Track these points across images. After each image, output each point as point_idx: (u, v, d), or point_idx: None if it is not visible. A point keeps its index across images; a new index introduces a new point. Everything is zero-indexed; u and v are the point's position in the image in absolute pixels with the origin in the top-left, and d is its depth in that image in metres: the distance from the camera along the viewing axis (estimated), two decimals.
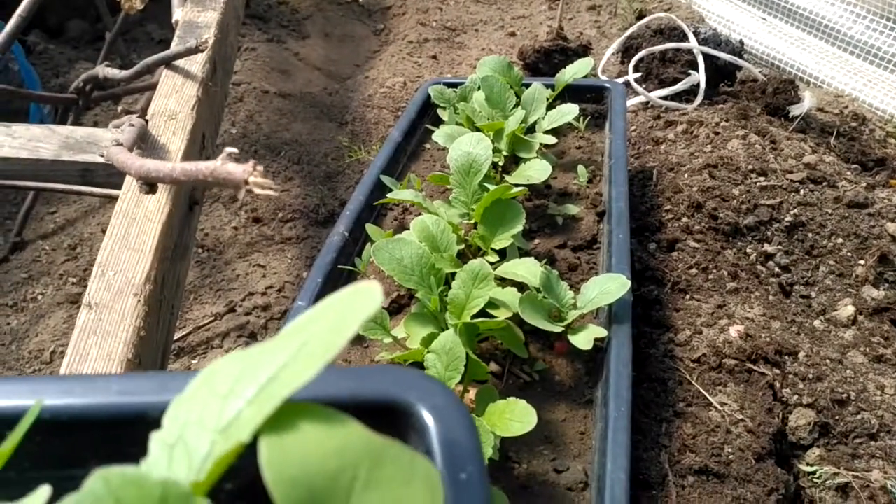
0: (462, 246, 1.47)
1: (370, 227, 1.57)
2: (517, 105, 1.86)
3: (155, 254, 1.20)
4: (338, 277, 1.49)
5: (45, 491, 0.42)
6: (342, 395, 0.50)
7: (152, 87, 2.15)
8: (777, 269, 1.79)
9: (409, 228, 1.43)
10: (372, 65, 3.01)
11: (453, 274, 1.32)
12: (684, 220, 1.84)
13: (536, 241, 1.61)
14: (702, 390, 1.45)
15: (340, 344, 0.43)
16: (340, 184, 2.36)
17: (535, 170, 1.64)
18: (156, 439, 0.43)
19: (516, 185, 1.51)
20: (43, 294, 2.00)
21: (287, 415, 0.40)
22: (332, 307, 0.47)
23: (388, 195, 1.56)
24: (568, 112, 1.83)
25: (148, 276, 1.17)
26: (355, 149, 2.45)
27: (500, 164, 1.76)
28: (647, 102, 2.36)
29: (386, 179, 1.71)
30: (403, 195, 1.54)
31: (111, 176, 1.49)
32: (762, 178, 1.96)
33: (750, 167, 1.97)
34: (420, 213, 1.68)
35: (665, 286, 1.68)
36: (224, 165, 0.70)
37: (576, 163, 1.83)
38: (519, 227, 1.43)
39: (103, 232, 2.16)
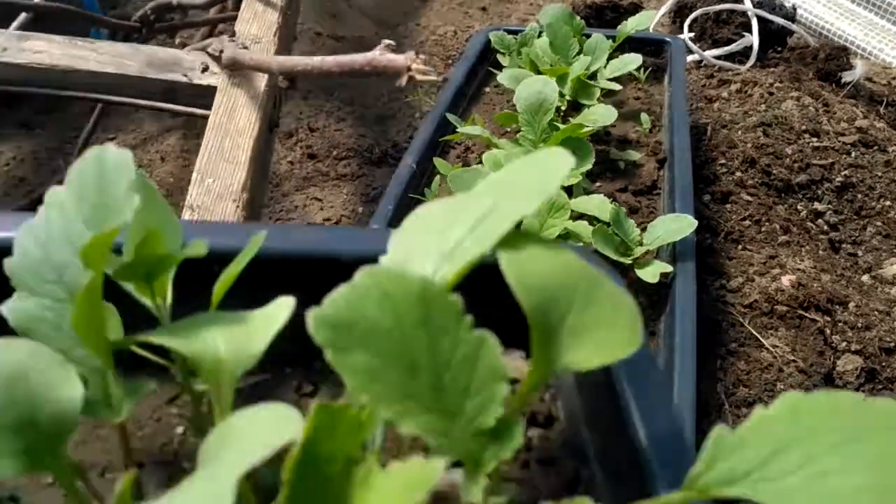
0: None
1: (438, 161, 1.61)
2: (580, 53, 1.90)
3: (249, 165, 1.26)
4: (407, 206, 1.53)
5: (288, 302, 0.47)
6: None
7: (213, 23, 2.19)
8: (826, 227, 1.84)
9: (469, 166, 1.48)
10: (422, 13, 3.03)
11: None
12: (738, 174, 1.88)
13: (598, 184, 1.66)
14: (754, 332, 1.50)
15: (551, 189, 0.48)
16: (391, 126, 2.40)
17: (600, 114, 1.67)
18: (383, 261, 0.48)
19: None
20: None
21: (513, 240, 0.46)
22: (522, 166, 0.52)
23: (459, 130, 1.61)
24: (631, 61, 1.86)
25: (244, 186, 1.22)
26: (408, 92, 2.49)
27: (563, 108, 1.80)
28: (701, 61, 2.39)
29: (451, 117, 1.75)
30: (472, 131, 1.58)
31: (193, 96, 1.54)
32: (815, 139, 1.99)
33: (803, 128, 2.01)
34: (482, 152, 1.72)
35: (718, 236, 1.73)
36: (384, 55, 0.75)
37: (634, 112, 1.87)
38: (588, 165, 1.47)
39: (162, 159, 2.22)
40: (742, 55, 2.39)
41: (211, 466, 0.38)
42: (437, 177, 1.60)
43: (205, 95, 1.51)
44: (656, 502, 0.42)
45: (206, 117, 1.49)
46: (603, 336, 0.44)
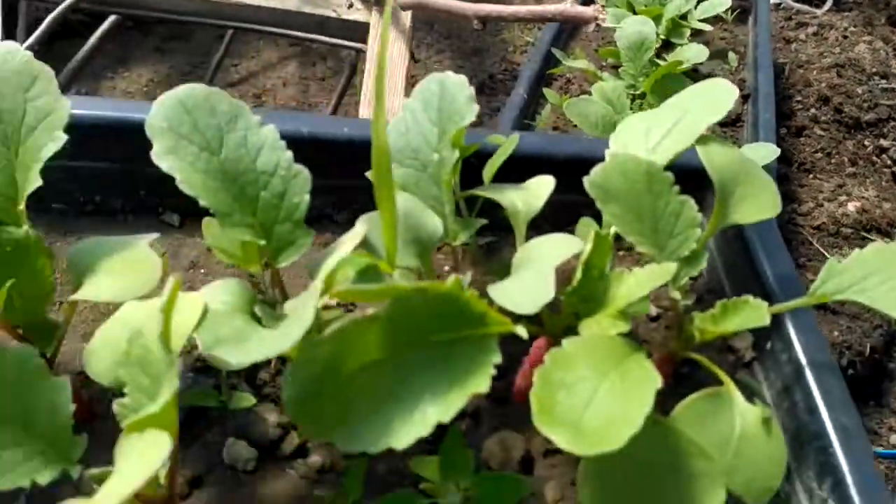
0: (631, 111, 1.74)
1: (548, 91, 1.84)
2: None
3: (402, 90, 1.51)
4: (521, 129, 1.77)
5: (550, 179, 0.73)
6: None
7: None
8: (890, 161, 2.03)
9: (572, 96, 1.70)
10: None
11: None
12: (812, 111, 2.07)
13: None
14: (822, 249, 1.73)
15: (717, 114, 0.72)
16: (486, 58, 2.61)
17: (693, 52, 1.88)
18: (610, 152, 0.73)
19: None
20: None
21: (702, 140, 0.70)
22: (698, 90, 0.77)
23: (565, 63, 1.83)
24: (719, 3, 2.04)
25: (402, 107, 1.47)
26: (505, 28, 2.69)
27: (656, 46, 2.00)
28: (780, 4, 2.54)
29: (557, 52, 1.96)
30: (579, 65, 1.80)
31: (341, 29, 1.78)
32: (884, 81, 2.16)
33: (874, 70, 2.18)
34: (582, 85, 1.94)
35: (792, 166, 1.94)
36: (574, 7, 0.99)
37: (721, 51, 2.06)
38: None
39: (284, 84, 2.48)
40: None
41: (528, 267, 0.64)
42: (548, 105, 1.83)
43: (350, 29, 1.75)
44: (794, 303, 0.67)
45: (351, 48, 1.75)
46: (757, 203, 0.69)
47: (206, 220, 0.69)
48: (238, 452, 0.68)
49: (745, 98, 1.90)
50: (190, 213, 0.87)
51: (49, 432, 0.52)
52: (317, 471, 0.68)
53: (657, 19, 2.01)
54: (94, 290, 0.60)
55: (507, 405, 0.75)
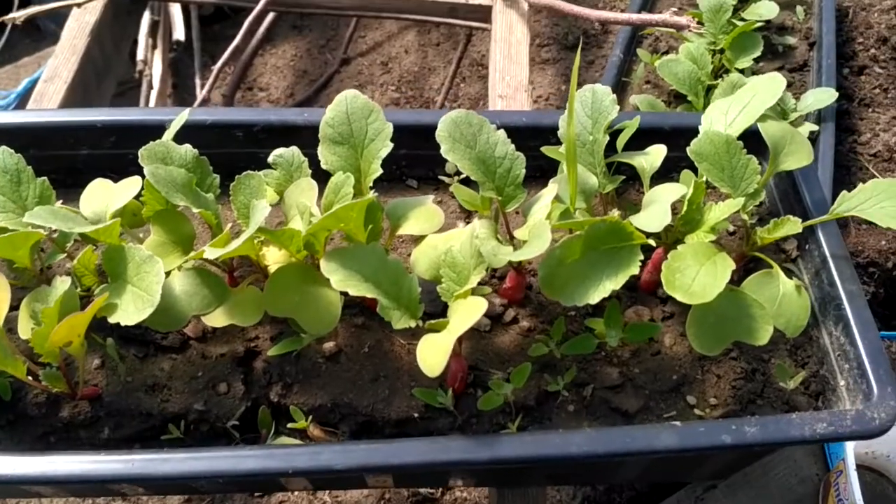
0: (712, 66, 2.10)
1: (641, 52, 2.21)
2: None
3: (528, 66, 1.92)
4: (621, 89, 2.16)
5: (662, 148, 1.16)
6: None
7: None
8: None
9: (661, 54, 2.07)
10: None
11: (710, 86, 1.97)
12: (872, 51, 2.37)
13: (761, 64, 2.22)
14: (876, 174, 2.08)
15: (772, 99, 1.13)
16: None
17: (765, 8, 2.21)
18: (702, 127, 1.15)
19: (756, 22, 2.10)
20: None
21: (761, 117, 1.11)
22: (761, 82, 1.17)
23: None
24: None
25: (529, 80, 1.90)
26: None
27: (733, 4, 2.33)
28: None
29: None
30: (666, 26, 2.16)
31: (468, 12, 2.20)
32: None
33: None
34: (669, 42, 2.30)
35: (853, 101, 2.27)
36: (672, 17, 1.38)
37: (791, 3, 2.38)
38: (757, 53, 2.05)
39: (406, 52, 2.92)
40: None
41: (653, 203, 1.08)
42: (641, 63, 2.20)
43: (476, 11, 2.17)
44: (820, 219, 1.09)
45: (478, 28, 2.16)
46: (798, 156, 1.11)
47: (455, 185, 1.16)
48: (479, 321, 1.15)
49: (810, 46, 2.24)
50: (422, 180, 1.34)
51: (405, 297, 0.99)
52: (526, 331, 1.15)
53: None
54: (408, 228, 1.07)
55: (637, 291, 1.20)
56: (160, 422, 1.07)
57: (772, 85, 1.16)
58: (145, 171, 1.00)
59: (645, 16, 1.51)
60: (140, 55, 2.67)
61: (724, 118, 1.15)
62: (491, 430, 1.05)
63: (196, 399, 1.07)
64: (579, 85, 2.42)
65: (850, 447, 1.47)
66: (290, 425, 1.04)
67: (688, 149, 1.07)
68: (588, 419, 1.07)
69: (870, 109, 2.26)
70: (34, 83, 2.82)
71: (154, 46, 2.76)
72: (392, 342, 1.12)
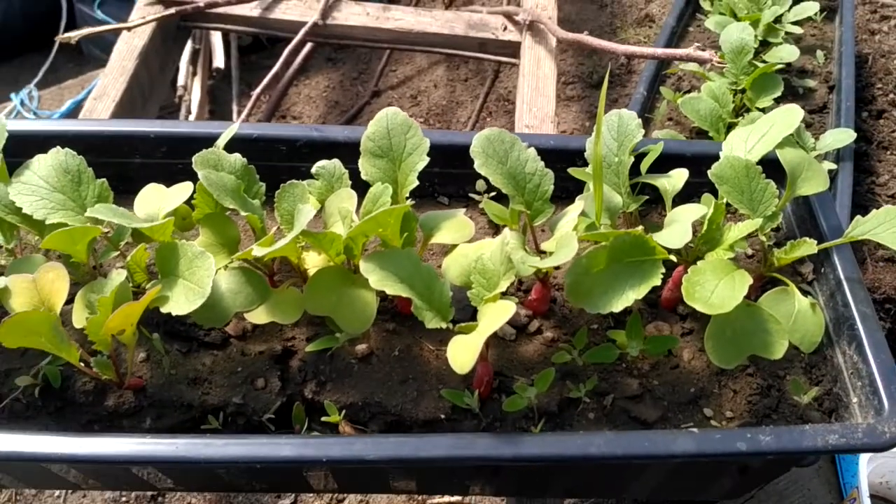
0: (733, 105, 2.17)
1: (664, 90, 2.29)
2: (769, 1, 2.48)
3: (554, 99, 2.00)
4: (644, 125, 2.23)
5: (684, 172, 1.22)
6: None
7: None
8: None
9: (683, 93, 2.14)
10: None
11: (731, 124, 2.04)
12: (891, 96, 2.43)
13: (781, 104, 2.28)
14: None
15: (789, 129, 1.19)
16: (603, 57, 3.06)
17: (786, 52, 2.28)
18: (722, 153, 1.21)
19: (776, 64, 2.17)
20: None
21: (779, 144, 1.17)
22: (779, 113, 1.23)
23: (678, 64, 2.27)
24: (809, 8, 2.43)
25: (554, 113, 1.97)
26: (618, 27, 3.13)
27: (755, 46, 2.41)
28: None
29: None
30: (689, 66, 2.24)
31: (498, 47, 2.29)
32: None
33: None
34: (692, 81, 2.37)
35: (872, 143, 2.32)
36: (696, 52, 1.46)
37: (811, 48, 2.45)
38: (778, 93, 2.11)
39: (435, 86, 3.02)
40: None
41: (675, 222, 1.13)
42: (664, 101, 2.28)
43: (505, 47, 2.26)
44: (835, 242, 1.14)
45: (508, 63, 2.25)
46: (814, 182, 1.16)
47: (485, 200, 1.23)
48: (504, 330, 1.20)
49: (830, 89, 2.30)
50: (453, 197, 1.41)
51: (437, 299, 1.05)
52: (549, 341, 1.20)
53: (755, 23, 2.42)
54: (441, 238, 1.14)
55: (657, 308, 1.25)
56: (200, 413, 1.12)
57: (789, 115, 1.22)
58: (199, 175, 1.07)
59: (670, 50, 1.58)
60: (181, 81, 2.78)
61: (743, 145, 1.21)
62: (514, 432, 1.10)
63: (235, 393, 1.12)
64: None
65: (863, 476, 1.50)
66: (323, 419, 1.09)
67: (709, 172, 1.13)
68: (608, 427, 1.11)
69: (888, 152, 2.31)
70: (78, 104, 2.96)
71: (194, 73, 2.88)
72: (421, 347, 1.18)
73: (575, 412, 1.13)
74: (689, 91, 2.29)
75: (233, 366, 1.15)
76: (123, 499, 2.00)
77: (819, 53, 2.40)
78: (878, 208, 2.16)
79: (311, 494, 1.98)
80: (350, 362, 1.15)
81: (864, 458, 1.57)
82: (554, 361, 1.14)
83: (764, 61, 2.27)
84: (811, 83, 2.31)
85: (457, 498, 1.95)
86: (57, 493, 2.02)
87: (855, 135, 1.98)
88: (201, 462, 0.97)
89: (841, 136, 2.01)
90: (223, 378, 1.14)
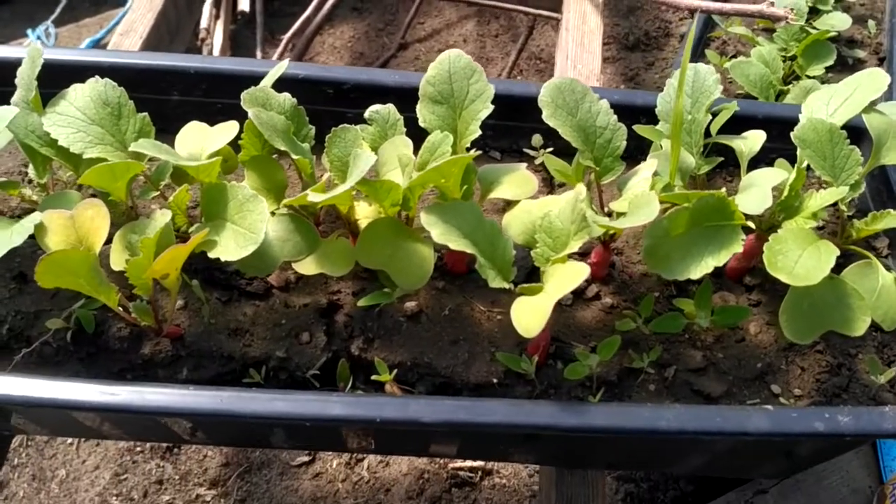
0: (783, 72, 2.08)
1: (710, 53, 2.19)
2: None
3: (601, 55, 1.91)
4: None
5: (760, 135, 1.14)
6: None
7: None
8: None
9: (728, 56, 2.06)
10: None
11: (781, 91, 1.95)
12: None
13: (830, 74, 2.19)
14: None
15: (876, 93, 1.11)
16: (641, 17, 2.95)
17: (837, 20, 2.18)
18: (802, 116, 1.13)
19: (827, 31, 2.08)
20: None
21: (866, 109, 1.10)
22: (864, 76, 1.15)
23: (725, 27, 2.17)
24: None
25: (601, 69, 1.88)
26: None
27: (805, 12, 2.31)
28: None
29: (716, 17, 2.30)
30: (737, 30, 2.14)
31: (540, 0, 2.19)
32: None
33: None
34: (736, 46, 2.28)
35: None
36: (770, 8, 1.37)
37: (861, 17, 2.35)
38: (830, 61, 2.02)
39: (464, 41, 2.91)
40: None
41: (751, 188, 1.06)
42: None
43: (547, 0, 2.16)
44: None
45: (546, 17, 2.15)
46: None
47: (546, 155, 1.15)
48: (566, 296, 1.14)
49: (880, 60, 2.21)
50: (505, 152, 1.33)
51: (500, 258, 0.98)
52: (608, 308, 1.14)
53: None
54: (500, 192, 1.06)
55: (722, 278, 1.18)
56: (240, 366, 1.06)
57: (876, 79, 1.14)
58: (250, 114, 1.00)
59: (740, 6, 1.49)
60: (203, 23, 2.68)
61: (825, 108, 1.13)
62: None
63: (278, 346, 1.06)
64: (640, 85, 2.43)
65: None
66: (372, 377, 1.03)
67: (792, 133, 1.06)
68: (669, 399, 1.05)
69: None
70: (97, 43, 2.85)
71: (217, 17, 2.78)
72: (472, 307, 1.11)
73: (635, 383, 1.07)
74: (734, 56, 2.20)
75: (276, 318, 1.09)
76: (138, 448, 1.96)
77: (871, 23, 2.30)
78: None
79: (329, 452, 1.94)
80: (399, 320, 1.09)
81: None
82: (617, 329, 1.08)
83: (815, 28, 2.17)
84: (861, 53, 2.22)
85: (479, 463, 1.91)
86: (70, 440, 1.98)
87: None
88: (247, 417, 0.91)
89: (891, 110, 1.92)
90: (265, 330, 1.07)
